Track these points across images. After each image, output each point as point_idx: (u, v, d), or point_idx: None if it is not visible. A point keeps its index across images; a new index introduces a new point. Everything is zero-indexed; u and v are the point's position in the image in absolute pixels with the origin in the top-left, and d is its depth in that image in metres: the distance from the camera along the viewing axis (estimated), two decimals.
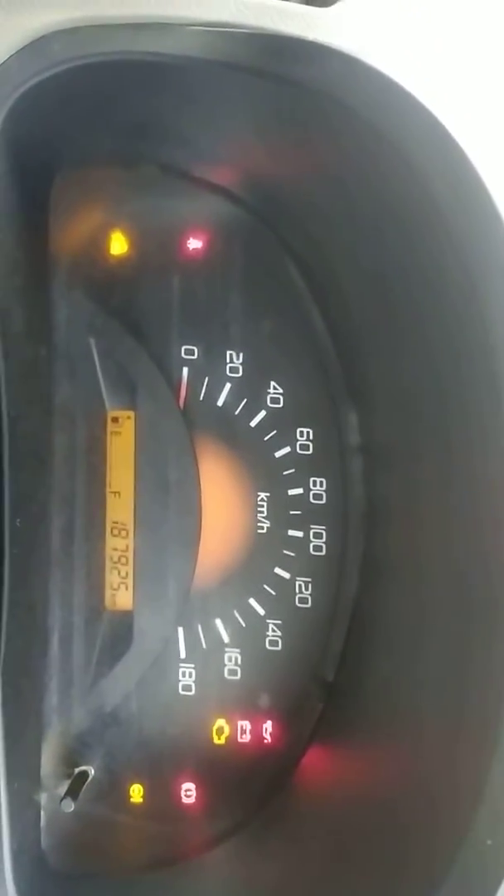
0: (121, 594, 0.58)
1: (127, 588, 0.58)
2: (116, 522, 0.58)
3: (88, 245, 0.58)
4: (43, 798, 0.54)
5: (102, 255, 0.58)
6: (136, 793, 0.58)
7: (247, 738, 0.58)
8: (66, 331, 0.57)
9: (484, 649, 0.41)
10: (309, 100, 0.41)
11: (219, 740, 0.58)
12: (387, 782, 0.48)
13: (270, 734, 0.58)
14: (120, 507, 0.58)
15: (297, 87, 0.41)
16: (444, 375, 0.46)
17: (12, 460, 0.47)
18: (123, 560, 0.58)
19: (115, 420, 0.58)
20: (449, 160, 0.36)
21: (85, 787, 0.55)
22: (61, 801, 0.53)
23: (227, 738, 0.58)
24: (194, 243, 0.59)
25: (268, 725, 0.58)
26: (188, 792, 0.58)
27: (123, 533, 0.58)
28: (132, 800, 0.58)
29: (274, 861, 0.52)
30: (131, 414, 0.58)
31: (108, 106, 0.48)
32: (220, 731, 0.58)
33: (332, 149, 0.45)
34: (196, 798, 0.58)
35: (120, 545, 0.58)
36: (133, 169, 0.57)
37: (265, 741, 0.58)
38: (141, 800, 0.58)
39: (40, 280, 0.55)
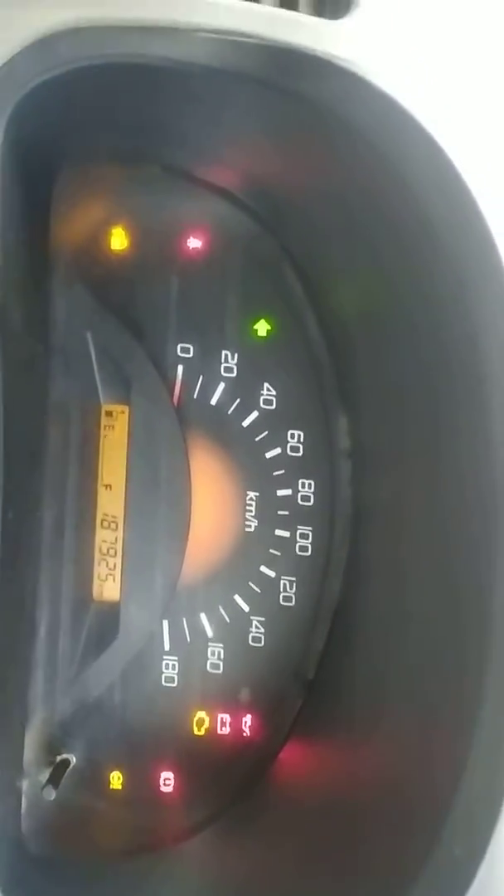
0: (108, 585, 0.59)
1: (114, 580, 0.59)
2: (107, 515, 0.59)
3: (89, 241, 0.58)
4: (24, 785, 0.55)
5: (103, 252, 0.59)
6: (116, 780, 0.59)
7: (226, 730, 0.59)
8: (64, 326, 0.57)
9: (462, 656, 0.42)
10: (313, 114, 0.42)
11: (199, 732, 0.60)
12: (361, 782, 0.49)
13: (249, 727, 0.60)
14: (111, 500, 0.59)
15: (302, 100, 0.41)
16: (433, 384, 0.47)
17: (6, 454, 0.47)
18: (112, 552, 0.59)
19: (108, 414, 0.59)
20: (447, 186, 0.37)
21: (66, 774, 0.56)
22: (42, 788, 0.54)
23: (206, 730, 0.59)
24: (194, 243, 0.59)
25: (247, 719, 0.60)
26: (167, 781, 0.59)
27: (113, 525, 0.59)
28: (111, 786, 0.59)
29: (248, 853, 0.54)
30: (125, 409, 0.58)
31: (111, 106, 0.49)
32: (200, 722, 0.60)
33: (332, 162, 0.45)
34: (174, 787, 0.59)
35: (109, 537, 0.59)
36: (135, 168, 0.57)
37: (244, 734, 0.59)
38: (120, 787, 0.59)
39: (40, 277, 0.55)
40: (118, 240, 0.59)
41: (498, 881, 0.36)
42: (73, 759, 0.57)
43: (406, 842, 0.39)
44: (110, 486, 0.59)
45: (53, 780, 0.54)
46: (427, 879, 0.37)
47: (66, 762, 0.56)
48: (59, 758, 0.56)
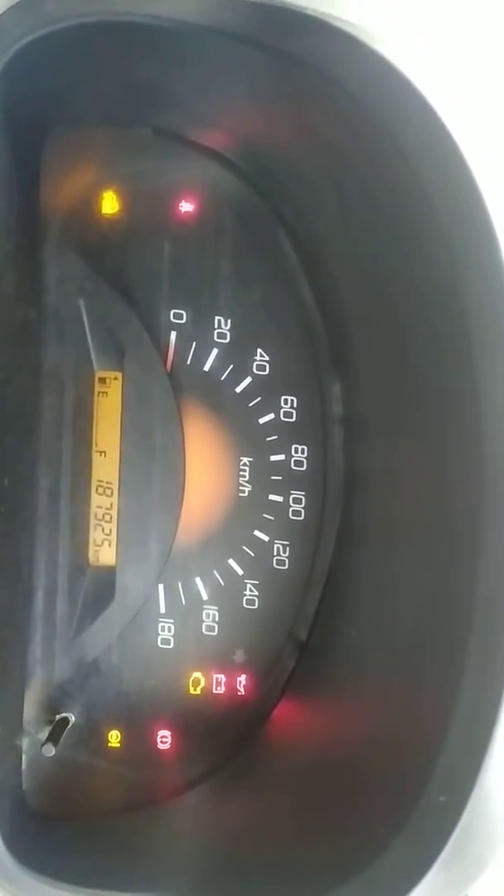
0: (104, 550, 0.60)
1: (110, 545, 0.60)
2: (101, 481, 0.59)
3: (80, 205, 0.58)
4: (25, 743, 0.57)
5: (94, 216, 0.58)
6: (114, 738, 0.60)
7: (221, 690, 0.61)
8: (56, 292, 0.57)
9: (449, 619, 0.43)
10: (304, 74, 0.41)
11: (194, 691, 0.61)
12: (351, 738, 0.51)
13: (244, 687, 0.61)
14: (105, 466, 0.59)
15: (294, 60, 0.40)
16: (424, 350, 0.47)
17: (1, 422, 0.48)
18: (108, 518, 0.60)
19: (102, 381, 0.59)
20: (440, 149, 0.37)
21: (65, 732, 0.57)
22: (42, 745, 0.55)
23: (202, 690, 0.61)
24: (186, 206, 0.59)
25: (242, 679, 0.61)
26: (163, 739, 0.60)
27: (108, 491, 0.59)
28: (110, 745, 0.60)
29: (242, 806, 0.55)
30: (119, 375, 0.59)
31: (101, 66, 0.48)
32: (196, 682, 0.61)
33: (324, 124, 0.45)
34: (171, 745, 0.60)
35: (104, 503, 0.60)
36: (126, 130, 0.57)
37: (239, 694, 0.61)
38: (118, 745, 0.60)
39: (32, 242, 0.55)
40: (109, 204, 0.59)
41: (480, 825, 0.38)
42: (73, 718, 0.59)
43: (394, 792, 0.41)
44: (104, 452, 0.59)
45: (53, 738, 0.56)
46: (415, 824, 0.39)
47: (65, 720, 0.58)
48: (58, 716, 0.58)
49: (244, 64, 0.45)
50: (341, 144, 0.45)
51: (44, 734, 0.57)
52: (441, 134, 0.37)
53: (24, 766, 0.56)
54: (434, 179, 0.38)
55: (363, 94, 0.39)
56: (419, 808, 0.38)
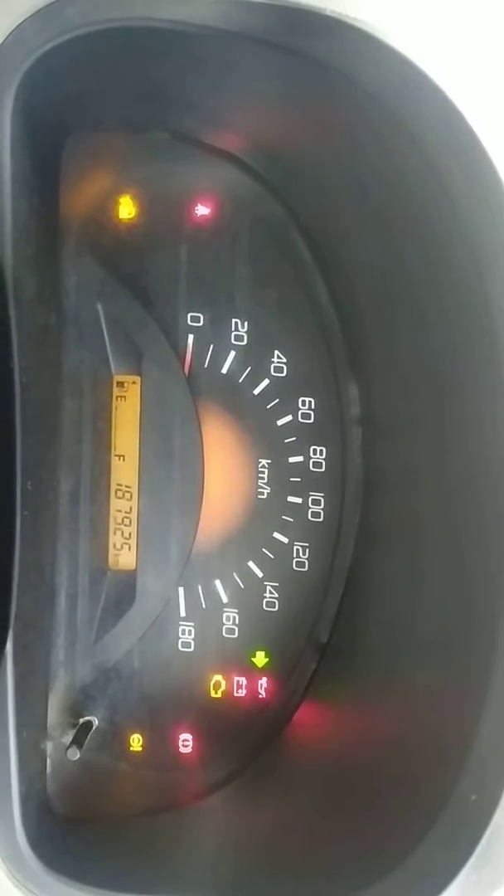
0: (124, 554, 0.60)
1: (130, 549, 0.60)
2: (121, 485, 0.60)
3: (98, 210, 0.58)
4: (49, 747, 0.57)
5: (111, 221, 0.59)
6: (136, 742, 0.60)
7: (242, 693, 0.61)
8: (76, 297, 0.57)
9: (472, 618, 0.43)
10: (322, 74, 0.41)
11: (216, 695, 0.61)
12: (376, 738, 0.51)
13: (265, 690, 0.61)
14: (125, 470, 0.59)
15: (313, 61, 0.41)
16: (444, 350, 0.47)
17: (23, 426, 0.48)
18: (127, 521, 0.60)
19: (120, 384, 0.59)
20: (460, 144, 0.37)
21: (89, 736, 0.57)
22: (67, 749, 0.55)
23: (223, 693, 0.61)
24: (202, 210, 0.59)
25: (263, 682, 0.61)
26: (185, 742, 0.60)
27: (128, 495, 0.60)
28: (132, 749, 0.60)
29: (265, 809, 0.55)
30: (137, 379, 0.59)
31: (120, 71, 0.48)
32: (217, 685, 0.61)
33: (342, 124, 0.45)
34: (193, 748, 0.60)
35: (124, 507, 0.60)
36: (143, 134, 0.57)
37: (260, 696, 0.61)
38: (140, 749, 0.60)
39: (51, 247, 0.55)
40: (126, 209, 0.59)
41: None
42: (96, 721, 0.59)
43: (424, 791, 0.40)
44: (123, 456, 0.59)
45: (77, 741, 0.56)
46: (446, 824, 0.38)
47: (88, 724, 0.58)
48: (81, 720, 0.58)
49: (261, 66, 0.45)
50: (359, 143, 0.45)
51: (67, 738, 0.57)
52: (461, 129, 0.37)
53: (48, 770, 0.56)
54: (455, 175, 0.38)
55: (382, 92, 0.39)
56: (450, 807, 0.38)
